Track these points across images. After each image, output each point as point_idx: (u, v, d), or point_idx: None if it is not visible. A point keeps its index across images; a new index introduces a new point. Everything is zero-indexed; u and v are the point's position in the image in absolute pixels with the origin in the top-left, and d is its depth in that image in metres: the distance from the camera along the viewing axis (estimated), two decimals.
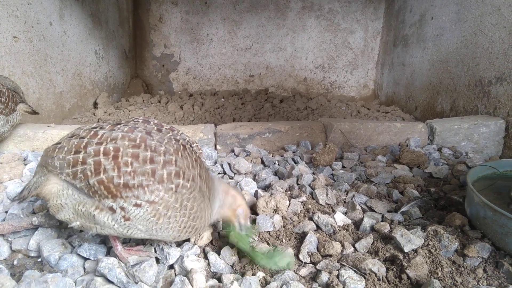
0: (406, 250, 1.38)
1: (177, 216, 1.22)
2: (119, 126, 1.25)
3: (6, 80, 2.22)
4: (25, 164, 2.13)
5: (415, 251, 1.39)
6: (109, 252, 1.42)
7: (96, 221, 1.21)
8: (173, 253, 1.37)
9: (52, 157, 1.24)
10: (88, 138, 1.20)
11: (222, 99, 4.80)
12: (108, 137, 1.19)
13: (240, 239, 1.42)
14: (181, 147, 1.26)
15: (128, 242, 1.51)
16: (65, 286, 1.17)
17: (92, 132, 1.22)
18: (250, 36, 5.43)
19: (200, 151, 1.40)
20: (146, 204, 1.17)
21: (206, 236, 1.50)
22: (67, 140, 1.25)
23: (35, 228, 1.51)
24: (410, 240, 1.40)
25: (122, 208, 1.17)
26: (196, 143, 1.42)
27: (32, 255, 1.45)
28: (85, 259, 1.38)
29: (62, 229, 1.53)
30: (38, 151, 2.32)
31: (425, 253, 1.39)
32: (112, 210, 1.18)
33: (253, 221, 1.63)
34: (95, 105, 4.09)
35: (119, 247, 1.36)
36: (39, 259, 1.43)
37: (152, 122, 1.33)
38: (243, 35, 5.43)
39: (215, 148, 2.56)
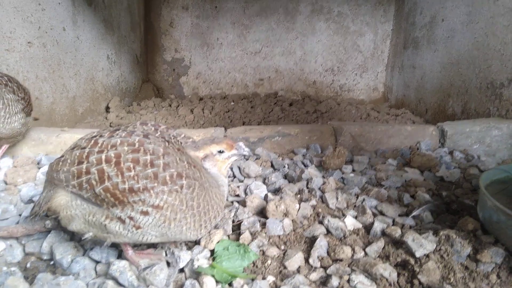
0: (417, 255, 1.37)
1: (187, 218, 1.24)
2: (117, 132, 1.27)
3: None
4: (39, 168, 2.16)
5: (427, 256, 1.37)
6: (121, 255, 1.44)
7: (108, 230, 1.23)
8: (184, 257, 1.38)
9: (57, 170, 1.27)
10: (89, 148, 1.22)
11: (232, 103, 4.82)
12: (108, 144, 1.21)
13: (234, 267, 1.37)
14: (166, 144, 1.27)
15: (139, 245, 1.52)
16: None
17: (93, 141, 1.24)
18: (259, 40, 5.45)
19: (190, 139, 1.41)
20: (153, 211, 1.18)
21: (216, 239, 1.50)
22: (69, 152, 1.28)
23: (48, 231, 1.53)
24: (422, 244, 1.38)
25: (131, 218, 1.19)
26: (193, 139, 1.44)
27: (45, 258, 1.47)
28: (97, 262, 1.39)
29: (75, 233, 1.55)
30: (51, 155, 2.35)
31: (437, 258, 1.37)
32: (121, 220, 1.20)
33: (263, 225, 1.63)
34: (107, 109, 4.14)
35: (129, 251, 1.37)
36: (52, 262, 1.45)
37: (149, 124, 1.36)
38: (253, 39, 5.45)
39: None
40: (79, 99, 3.53)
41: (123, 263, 1.29)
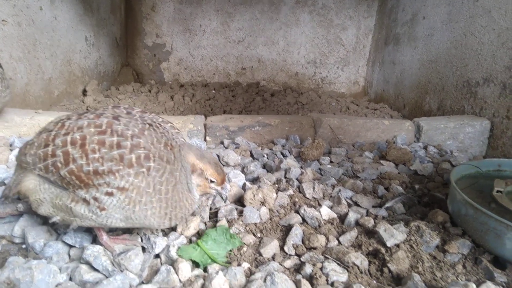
0: (388, 245, 1.41)
1: (153, 202, 1.21)
2: (85, 114, 1.25)
3: None
4: (11, 150, 2.10)
5: (397, 245, 1.42)
6: (95, 240, 1.42)
7: (74, 213, 1.22)
8: (160, 243, 1.38)
9: (24, 154, 1.25)
10: (56, 130, 1.21)
11: (213, 91, 4.79)
12: (75, 127, 1.19)
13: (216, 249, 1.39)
14: (146, 126, 1.25)
15: (115, 231, 1.51)
16: (50, 273, 1.17)
17: (60, 124, 1.22)
18: (243, 29, 5.41)
19: (177, 130, 1.38)
20: (118, 192, 1.16)
21: (193, 226, 1.51)
22: (37, 136, 1.26)
23: (20, 214, 1.50)
24: (393, 235, 1.43)
25: (95, 199, 1.17)
26: (171, 123, 1.41)
27: (17, 241, 1.44)
28: (71, 246, 1.38)
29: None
30: (25, 137, 2.29)
31: (407, 248, 1.42)
32: (86, 201, 1.18)
33: (240, 213, 1.64)
34: (84, 92, 4.04)
35: (104, 237, 1.36)
36: (24, 246, 1.42)
37: (122, 107, 1.33)
38: (236, 27, 5.40)
39: (205, 140, 2.56)
40: (55, 81, 3.43)
41: (97, 247, 1.28)
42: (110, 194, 1.17)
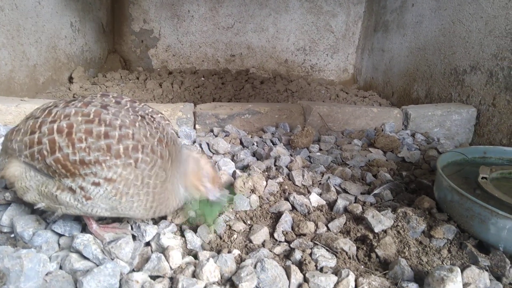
0: (376, 231, 1.44)
1: (140, 195, 1.20)
2: (73, 102, 1.22)
3: None
4: None
5: (385, 231, 1.45)
6: (85, 228, 1.42)
7: (59, 201, 1.21)
8: (150, 231, 1.38)
9: (10, 140, 1.23)
10: (42, 118, 1.18)
11: (202, 78, 4.74)
12: (62, 114, 1.17)
13: (207, 210, 1.43)
14: (139, 118, 1.23)
15: (104, 219, 1.51)
16: (40, 261, 1.16)
17: (47, 111, 1.20)
18: (232, 15, 5.34)
19: (167, 122, 1.36)
20: (105, 183, 1.15)
21: (183, 214, 1.51)
22: (24, 122, 1.24)
23: (8, 203, 1.48)
24: (381, 221, 1.46)
25: (82, 188, 1.16)
26: (162, 114, 1.39)
27: (5, 230, 1.42)
28: (60, 235, 1.37)
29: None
30: (10, 125, 2.25)
31: (394, 234, 1.45)
32: (72, 190, 1.17)
33: (231, 200, 1.65)
34: (71, 79, 3.97)
35: (94, 225, 1.35)
36: (12, 235, 1.41)
37: (111, 96, 1.30)
38: (225, 13, 5.33)
39: (194, 128, 2.55)
40: (40, 67, 3.36)
41: (87, 236, 1.28)
42: (96, 184, 1.15)
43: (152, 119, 1.29)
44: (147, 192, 1.21)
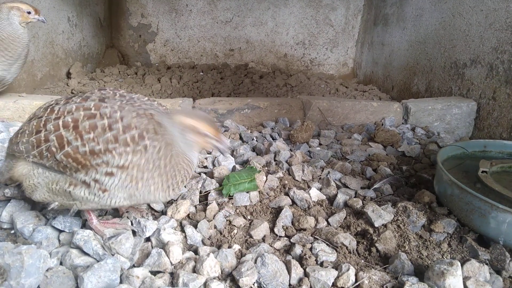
0: (376, 225, 1.44)
1: (155, 177, 1.22)
2: (73, 98, 1.24)
3: None
4: None
5: (385, 226, 1.45)
6: (85, 224, 1.42)
7: (73, 197, 1.21)
8: (150, 226, 1.38)
9: (16, 143, 1.24)
10: (46, 116, 1.20)
11: (201, 73, 4.73)
12: (64, 111, 1.18)
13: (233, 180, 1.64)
14: (124, 101, 1.24)
15: (104, 215, 1.51)
16: (40, 257, 1.16)
17: (49, 109, 1.22)
18: (230, 9, 5.31)
19: (164, 107, 1.37)
20: (118, 171, 1.16)
21: (183, 210, 1.51)
22: (27, 124, 1.25)
23: (8, 200, 1.48)
24: (381, 215, 1.46)
25: (96, 181, 1.17)
26: (160, 103, 1.40)
27: (5, 227, 1.42)
28: (60, 231, 1.37)
29: (36, 202, 1.51)
30: (8, 121, 2.24)
31: (394, 228, 1.45)
32: (86, 184, 1.18)
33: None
34: (69, 75, 3.95)
35: (94, 221, 1.35)
36: (12, 231, 1.41)
37: (108, 89, 1.32)
38: (224, 7, 5.30)
39: None
40: (37, 63, 3.34)
41: (87, 232, 1.28)
42: (110, 174, 1.16)
43: (135, 99, 1.29)
44: (160, 174, 1.23)
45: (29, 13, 2.14)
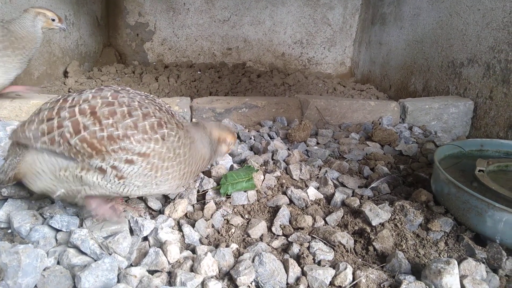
0: (373, 224, 1.44)
1: (174, 166, 1.24)
2: (85, 91, 1.25)
3: None
4: None
5: (382, 224, 1.45)
6: (82, 224, 1.41)
7: (84, 182, 1.20)
8: (148, 225, 1.38)
9: (23, 131, 1.22)
10: (59, 105, 1.19)
11: (199, 72, 4.72)
12: (80, 99, 1.18)
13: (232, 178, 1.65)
14: (143, 97, 1.28)
15: None
16: (37, 257, 1.16)
17: (61, 100, 1.21)
18: (228, 8, 5.30)
19: (168, 105, 1.40)
20: (139, 159, 1.17)
21: (181, 209, 1.51)
22: (35, 114, 1.24)
23: (5, 199, 1.47)
24: (378, 214, 1.46)
25: (114, 167, 1.16)
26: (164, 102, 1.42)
27: (2, 226, 1.42)
28: (57, 230, 1.36)
29: (33, 201, 1.50)
30: (5, 120, 2.23)
31: (391, 227, 1.46)
32: (102, 170, 1.17)
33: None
34: (66, 74, 3.93)
35: (93, 204, 1.33)
36: (9, 231, 1.40)
37: (109, 87, 1.33)
38: (221, 6, 5.29)
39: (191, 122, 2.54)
40: (34, 62, 3.32)
41: (84, 231, 1.27)
42: (130, 162, 1.16)
43: (153, 99, 1.33)
44: (180, 161, 1.25)
45: (53, 20, 2.26)
